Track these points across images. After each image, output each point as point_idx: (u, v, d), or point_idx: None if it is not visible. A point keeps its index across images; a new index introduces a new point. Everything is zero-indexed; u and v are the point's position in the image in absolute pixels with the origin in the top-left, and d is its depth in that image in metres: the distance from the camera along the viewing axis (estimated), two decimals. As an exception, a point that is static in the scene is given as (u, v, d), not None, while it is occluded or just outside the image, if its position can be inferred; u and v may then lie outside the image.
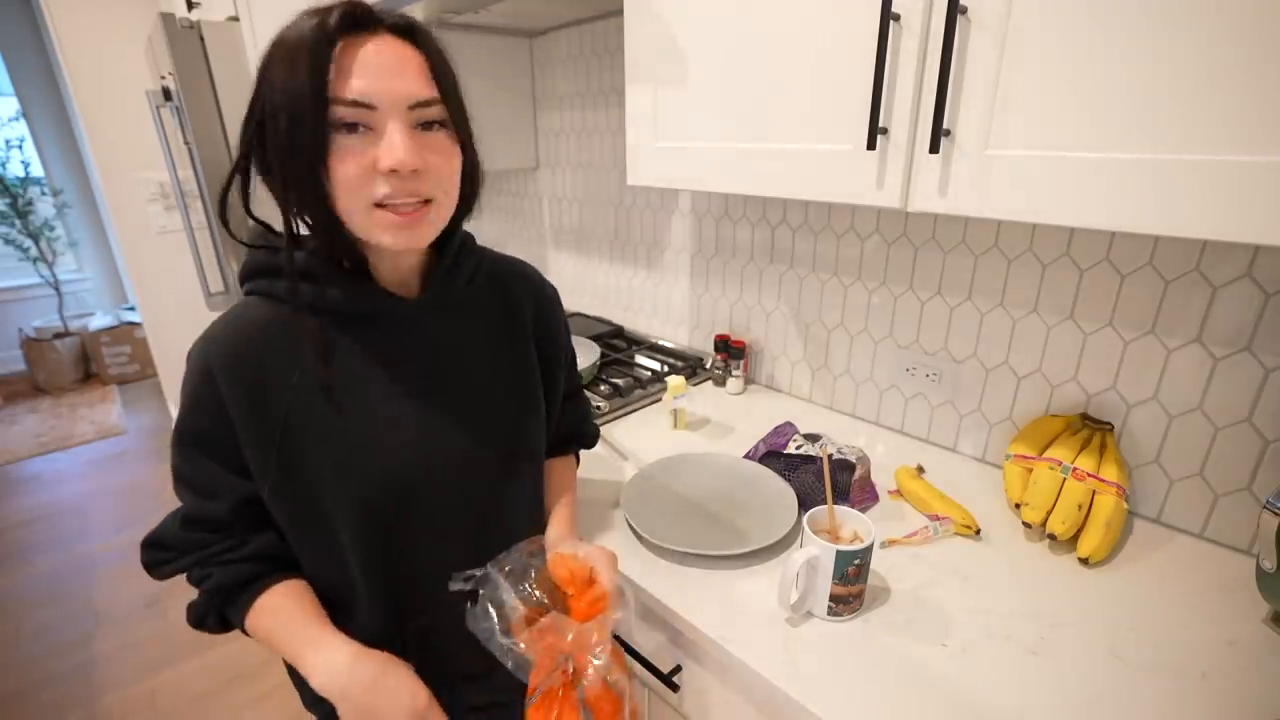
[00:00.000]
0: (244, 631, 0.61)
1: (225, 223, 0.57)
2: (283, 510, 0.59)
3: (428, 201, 0.54)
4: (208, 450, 0.57)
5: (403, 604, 0.64)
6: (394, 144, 0.49)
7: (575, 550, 0.65)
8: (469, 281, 0.66)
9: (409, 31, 0.51)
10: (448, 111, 0.53)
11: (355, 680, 0.55)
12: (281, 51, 0.49)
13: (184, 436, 0.57)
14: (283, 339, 0.56)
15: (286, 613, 0.59)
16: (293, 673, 0.70)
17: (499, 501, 0.68)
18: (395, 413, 0.61)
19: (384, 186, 0.51)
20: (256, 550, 0.60)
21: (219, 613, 0.61)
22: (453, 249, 0.64)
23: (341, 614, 0.63)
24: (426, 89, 0.51)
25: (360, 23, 0.49)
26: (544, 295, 0.75)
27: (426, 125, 0.52)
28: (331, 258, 0.57)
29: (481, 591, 0.59)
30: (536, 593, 0.62)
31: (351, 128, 0.49)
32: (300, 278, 0.56)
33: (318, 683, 0.56)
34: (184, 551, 0.60)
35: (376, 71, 0.49)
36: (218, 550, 0.60)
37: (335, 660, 0.56)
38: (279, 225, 0.57)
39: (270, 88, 0.50)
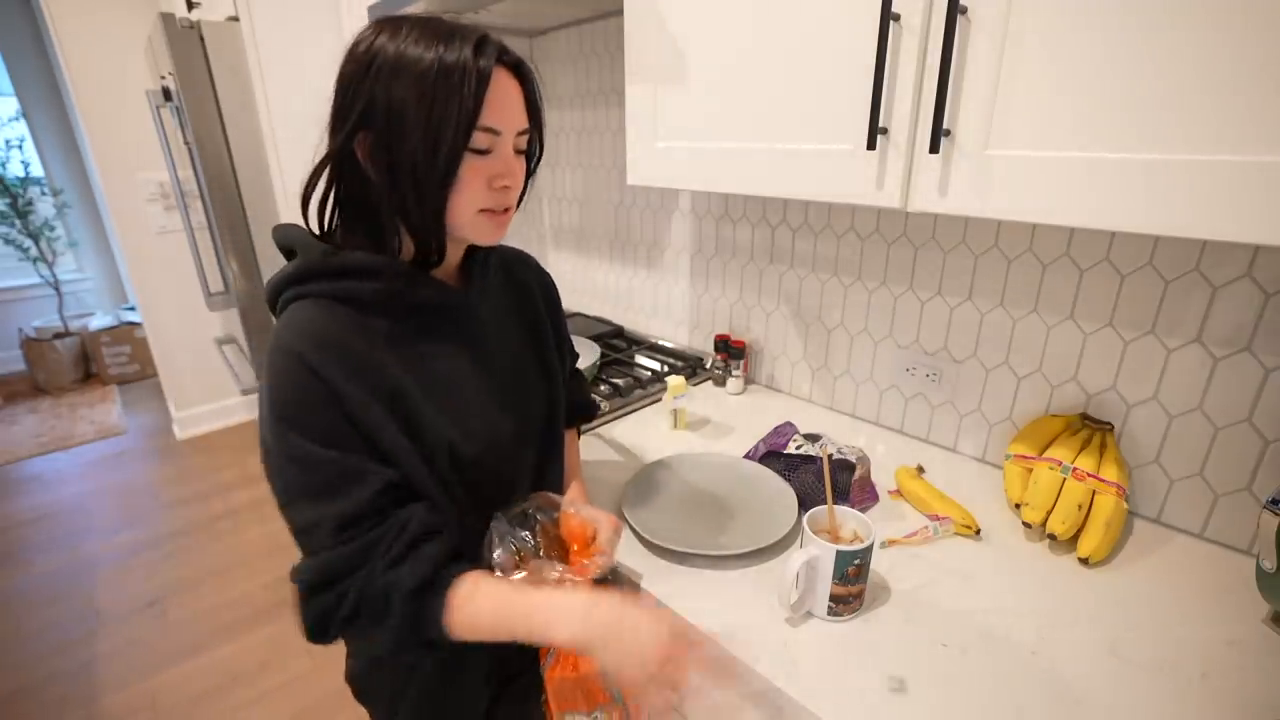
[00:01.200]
0: (444, 636, 0.56)
1: (305, 217, 0.63)
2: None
3: (508, 208, 0.63)
4: (335, 442, 0.54)
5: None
6: (511, 167, 0.59)
7: (586, 511, 0.70)
8: (495, 269, 0.73)
9: (517, 68, 0.59)
10: (535, 135, 0.63)
11: (599, 621, 0.53)
12: (422, 73, 0.52)
13: (310, 437, 0.54)
14: (366, 333, 0.58)
15: (499, 593, 0.57)
16: (361, 694, 0.77)
17: (545, 465, 0.75)
18: (461, 393, 0.65)
19: (493, 198, 0.59)
20: (417, 533, 0.56)
21: (414, 622, 0.55)
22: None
23: None
24: (526, 120, 0.60)
25: (499, 58, 0.56)
26: (545, 280, 0.83)
27: (519, 150, 0.61)
28: (430, 248, 0.61)
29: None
30: (536, 541, 0.66)
31: (479, 150, 0.56)
32: (388, 272, 0.59)
33: (565, 635, 0.54)
34: (354, 567, 0.54)
35: (504, 103, 0.57)
36: (382, 550, 0.55)
37: (574, 609, 0.54)
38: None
39: (401, 104, 0.53)
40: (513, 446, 0.69)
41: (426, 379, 0.62)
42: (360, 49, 0.54)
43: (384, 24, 0.55)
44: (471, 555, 0.63)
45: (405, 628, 0.55)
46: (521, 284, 0.78)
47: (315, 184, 0.60)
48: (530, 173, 0.66)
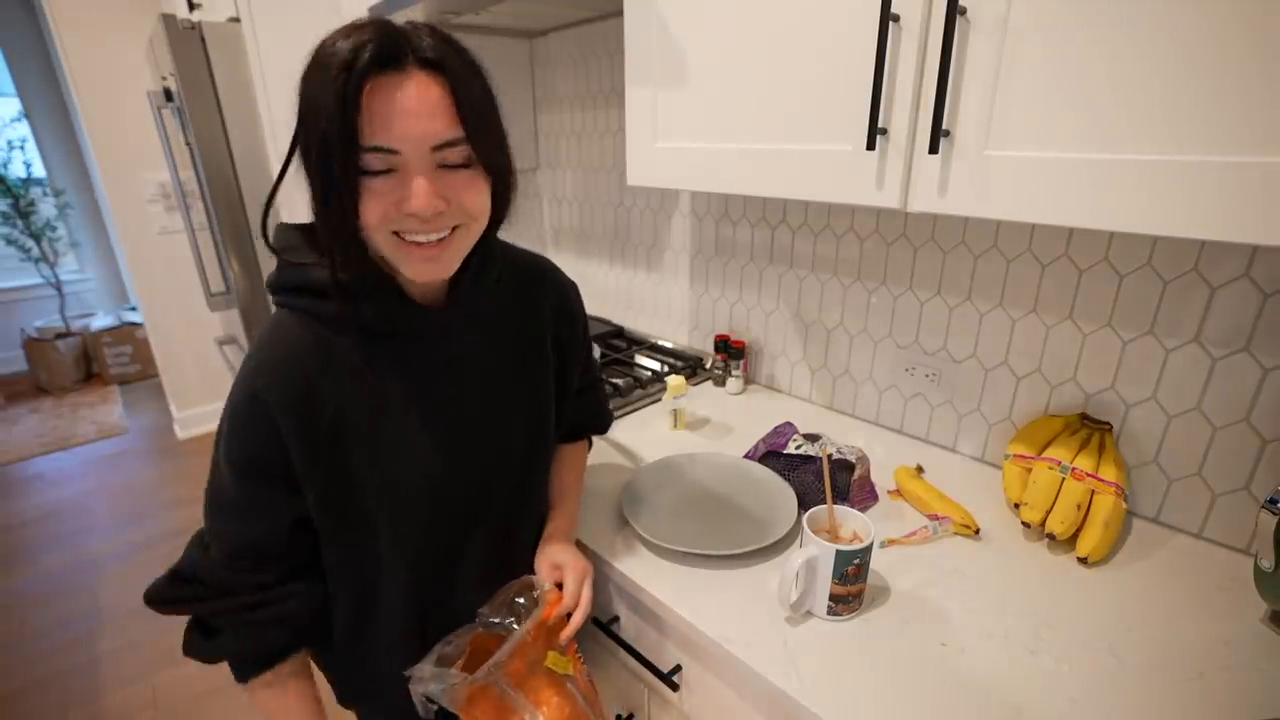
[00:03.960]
0: (238, 681, 0.64)
1: (265, 235, 0.60)
2: (327, 517, 0.60)
3: (455, 229, 0.54)
4: (261, 474, 0.57)
5: (431, 596, 0.68)
6: (416, 191, 0.49)
7: (557, 558, 0.73)
8: (495, 283, 0.67)
9: (437, 65, 0.49)
10: (473, 148, 0.51)
11: None
12: (315, 80, 0.48)
13: (237, 462, 0.56)
14: (322, 355, 0.57)
15: (293, 707, 0.65)
16: (327, 670, 0.75)
17: (522, 499, 0.73)
18: (429, 423, 0.63)
19: (404, 223, 0.51)
20: (287, 613, 0.62)
21: (227, 661, 0.63)
22: (479, 257, 0.63)
23: (371, 609, 0.66)
24: (450, 128, 0.49)
25: (389, 60, 0.47)
26: (563, 293, 0.77)
27: (451, 165, 0.52)
28: (363, 274, 0.57)
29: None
30: (520, 626, 0.67)
31: (374, 172, 0.49)
32: (336, 295, 0.56)
33: None
34: (226, 593, 0.60)
35: (401, 116, 0.47)
36: (259, 601, 0.60)
37: None
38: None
39: (305, 112, 0.50)
40: (472, 484, 0.66)
41: (382, 409, 0.59)
42: None
43: None
44: (406, 589, 0.66)
45: (212, 656, 0.62)
46: (530, 304, 0.72)
47: (273, 197, 0.57)
48: (501, 192, 0.57)
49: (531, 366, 0.72)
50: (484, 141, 0.52)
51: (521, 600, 0.68)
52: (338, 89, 0.46)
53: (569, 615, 0.70)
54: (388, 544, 0.63)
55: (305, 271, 0.57)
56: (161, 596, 0.60)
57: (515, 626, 0.65)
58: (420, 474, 0.62)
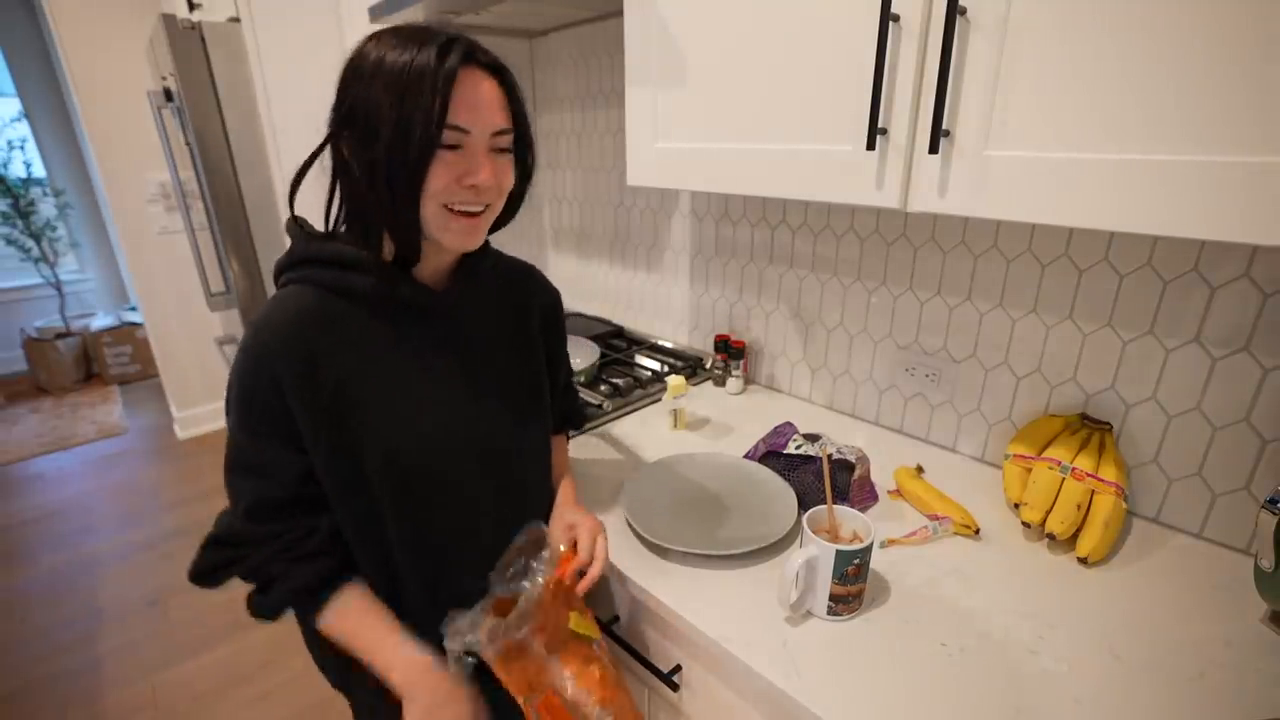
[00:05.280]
0: (313, 627, 0.67)
1: (292, 209, 0.67)
2: (330, 482, 0.64)
3: (488, 205, 0.63)
4: (269, 431, 0.62)
5: (434, 567, 0.70)
6: (481, 166, 0.60)
7: (568, 518, 0.76)
8: (492, 267, 0.74)
9: (497, 71, 0.61)
10: (517, 139, 0.63)
11: (430, 686, 0.64)
12: (393, 75, 0.55)
13: (246, 421, 0.62)
14: (332, 324, 0.63)
15: (369, 616, 0.67)
16: (321, 660, 0.77)
17: (515, 477, 0.76)
18: (428, 397, 0.67)
19: (459, 195, 0.60)
20: (324, 542, 0.65)
21: (294, 608, 0.66)
22: (481, 249, 0.70)
23: (383, 579, 0.69)
24: (505, 121, 0.61)
25: (471, 59, 0.58)
26: (549, 296, 0.83)
27: (499, 149, 0.62)
28: (378, 251, 0.64)
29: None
30: (536, 592, 0.67)
31: (447, 146, 0.58)
32: (374, 267, 0.63)
33: (398, 679, 0.64)
34: (257, 544, 0.63)
35: (475, 103, 0.58)
36: (290, 541, 0.64)
37: (417, 663, 0.65)
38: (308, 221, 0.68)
39: (375, 105, 0.56)
40: (470, 457, 0.70)
41: (384, 381, 0.64)
42: (352, 57, 0.59)
43: (377, 34, 0.59)
44: (412, 559, 0.68)
45: (276, 607, 0.65)
46: (519, 301, 0.78)
47: (301, 178, 0.64)
48: (525, 177, 0.68)
49: (523, 352, 0.77)
50: (525, 134, 0.65)
51: (536, 564, 0.70)
52: (434, 80, 0.55)
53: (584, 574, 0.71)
54: (392, 518, 0.66)
55: (337, 246, 0.64)
56: (202, 568, 0.65)
57: (526, 585, 0.67)
58: (419, 444, 0.66)
